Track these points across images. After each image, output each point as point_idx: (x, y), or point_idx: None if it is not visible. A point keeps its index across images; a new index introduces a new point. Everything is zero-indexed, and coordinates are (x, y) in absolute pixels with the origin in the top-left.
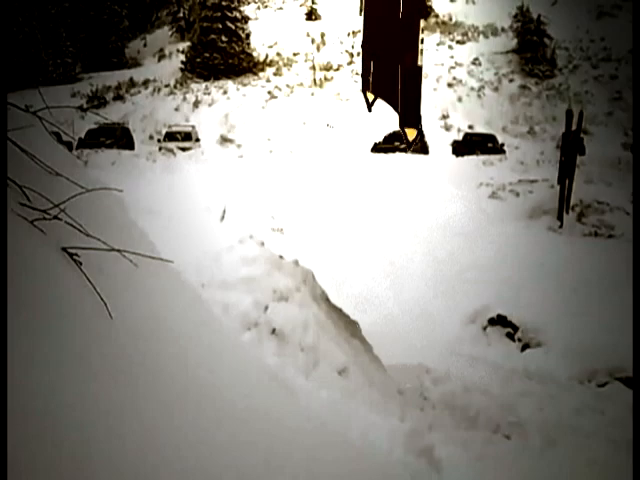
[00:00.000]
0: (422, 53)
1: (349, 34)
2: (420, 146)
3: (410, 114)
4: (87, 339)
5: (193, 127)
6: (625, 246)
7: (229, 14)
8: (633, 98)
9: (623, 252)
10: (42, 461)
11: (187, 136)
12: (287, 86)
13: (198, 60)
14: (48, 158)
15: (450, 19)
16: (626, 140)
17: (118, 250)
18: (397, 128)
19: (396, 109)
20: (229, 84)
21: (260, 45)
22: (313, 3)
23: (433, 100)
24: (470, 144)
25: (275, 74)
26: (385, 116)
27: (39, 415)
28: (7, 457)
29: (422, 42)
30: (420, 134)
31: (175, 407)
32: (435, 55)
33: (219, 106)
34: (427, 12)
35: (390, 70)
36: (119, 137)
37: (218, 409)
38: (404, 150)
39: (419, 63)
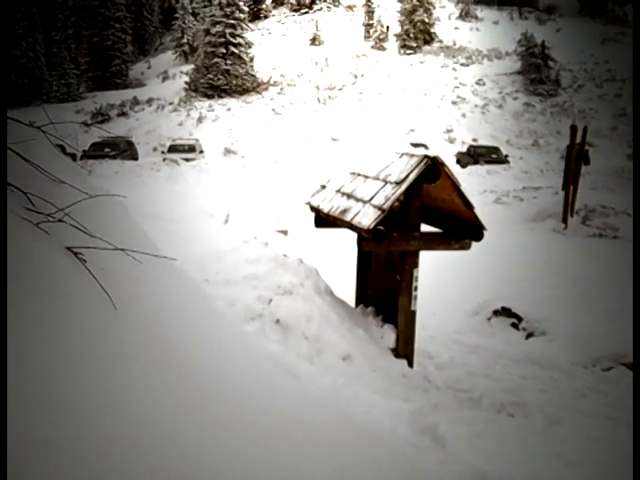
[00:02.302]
0: (416, 299)
1: (353, 58)
2: None
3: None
4: (91, 329)
5: (197, 140)
6: (629, 245)
7: (233, 40)
8: (633, 97)
9: (627, 251)
10: (46, 438)
11: (191, 148)
12: (291, 104)
13: (202, 81)
14: (52, 168)
15: (454, 44)
16: (630, 152)
17: (122, 249)
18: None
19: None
20: (233, 102)
21: (264, 68)
22: (317, 30)
23: (437, 116)
24: (474, 155)
25: (279, 93)
26: (388, 129)
27: (46, 402)
28: (7, 439)
29: (416, 290)
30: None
31: (176, 386)
32: (439, 76)
33: (223, 121)
34: None
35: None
36: (123, 149)
37: (219, 391)
38: None
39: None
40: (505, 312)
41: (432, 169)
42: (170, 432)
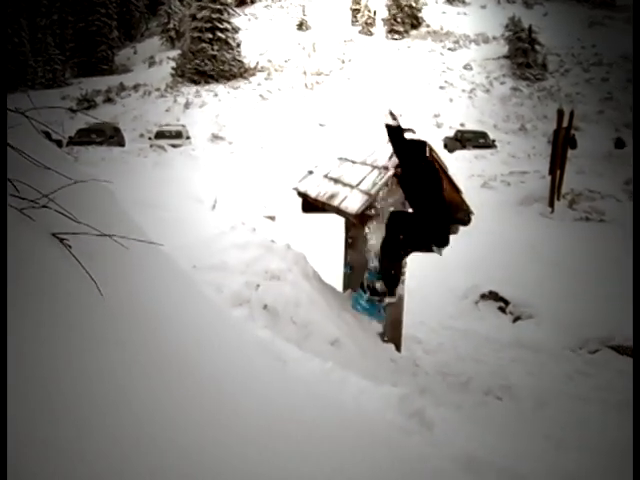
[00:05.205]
0: (403, 283)
1: (340, 43)
2: None
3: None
4: (78, 315)
5: (184, 126)
6: (616, 229)
7: (219, 25)
8: (633, 86)
9: (614, 234)
10: (46, 438)
11: (178, 134)
12: (278, 89)
13: (189, 67)
14: (37, 154)
15: (441, 28)
16: (617, 135)
17: (109, 235)
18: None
19: None
20: (220, 87)
21: (251, 53)
22: (303, 14)
23: (424, 101)
24: (462, 140)
25: (266, 79)
26: (375, 114)
27: (46, 402)
28: (7, 432)
29: (403, 274)
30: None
31: (168, 374)
32: (426, 61)
33: (210, 107)
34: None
35: None
36: (109, 135)
37: (211, 376)
38: None
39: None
40: (492, 296)
41: None
42: (170, 432)
